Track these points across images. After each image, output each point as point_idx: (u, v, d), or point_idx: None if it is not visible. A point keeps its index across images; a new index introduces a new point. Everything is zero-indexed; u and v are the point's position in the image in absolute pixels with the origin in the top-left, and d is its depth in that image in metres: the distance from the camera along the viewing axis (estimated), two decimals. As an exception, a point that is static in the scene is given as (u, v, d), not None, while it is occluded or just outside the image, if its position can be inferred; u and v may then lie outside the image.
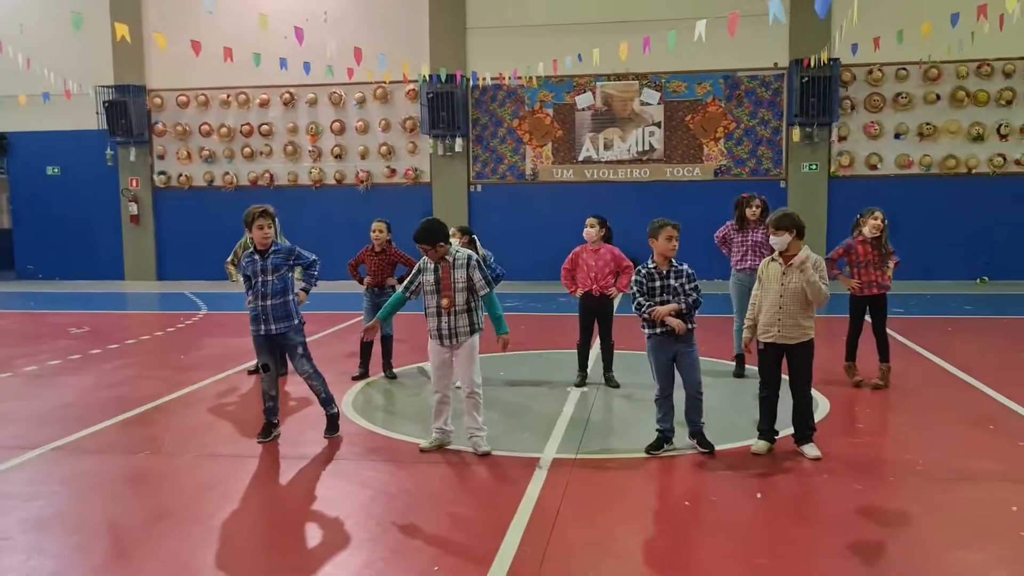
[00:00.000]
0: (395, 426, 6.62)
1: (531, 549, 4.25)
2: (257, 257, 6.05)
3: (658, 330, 5.69)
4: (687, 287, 5.69)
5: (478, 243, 7.93)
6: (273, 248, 6.08)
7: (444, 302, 5.67)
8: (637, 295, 5.73)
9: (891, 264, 7.65)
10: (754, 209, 8.05)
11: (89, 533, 4.64)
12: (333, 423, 6.33)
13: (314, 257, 6.36)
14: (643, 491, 5.28)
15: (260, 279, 6.01)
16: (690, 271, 5.76)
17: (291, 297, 6.11)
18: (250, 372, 8.47)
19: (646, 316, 5.68)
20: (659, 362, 5.77)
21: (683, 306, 5.62)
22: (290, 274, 6.17)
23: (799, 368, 5.68)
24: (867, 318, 7.69)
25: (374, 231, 8.18)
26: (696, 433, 5.78)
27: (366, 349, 8.34)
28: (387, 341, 8.35)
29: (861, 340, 7.73)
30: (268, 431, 6.22)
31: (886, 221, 7.56)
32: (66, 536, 4.57)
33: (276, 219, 6.23)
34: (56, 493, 5.25)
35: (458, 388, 6.00)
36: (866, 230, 7.53)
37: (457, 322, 5.72)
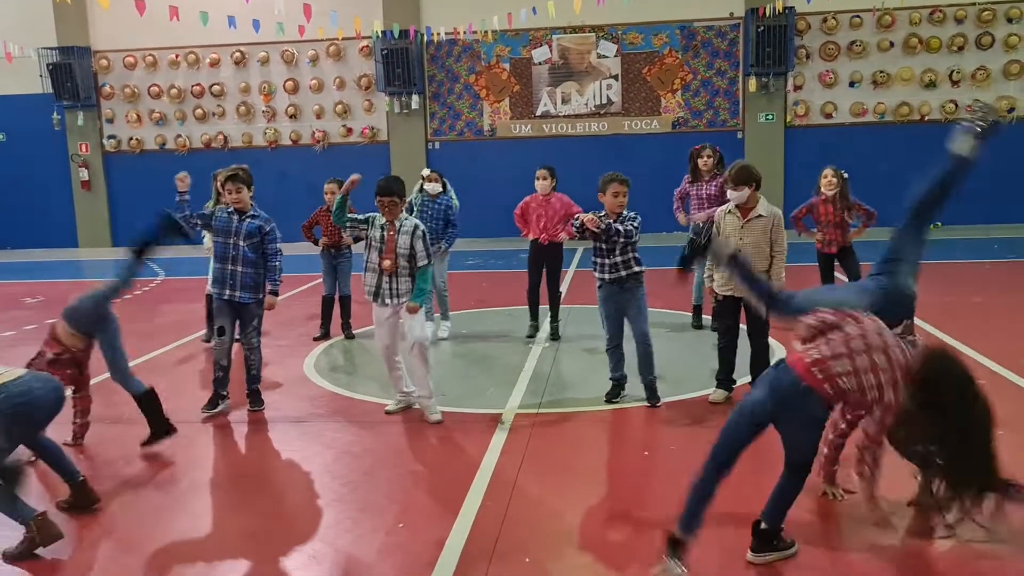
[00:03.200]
0: (357, 387, 6.64)
1: (494, 504, 4.33)
2: (234, 217, 5.85)
3: (606, 277, 5.75)
4: (627, 223, 5.70)
5: (449, 187, 8.06)
6: (251, 213, 5.91)
7: (386, 263, 5.62)
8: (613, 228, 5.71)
9: (861, 223, 7.72)
10: (705, 159, 8.04)
11: (54, 503, 4.62)
12: (257, 397, 6.12)
13: (279, 251, 5.99)
14: (603, 443, 5.38)
15: (232, 240, 5.81)
16: (634, 216, 5.76)
17: (262, 270, 5.88)
18: (205, 341, 8.34)
19: (575, 224, 5.76)
20: (607, 312, 5.86)
21: (603, 220, 5.64)
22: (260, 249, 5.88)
23: (756, 318, 5.77)
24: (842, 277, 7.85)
25: (327, 192, 8.11)
26: (648, 386, 5.87)
27: (326, 311, 8.34)
28: (346, 302, 8.33)
29: None
30: (215, 402, 6.04)
31: (845, 177, 7.63)
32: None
33: (249, 184, 5.97)
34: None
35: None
36: (823, 187, 7.64)
37: (400, 286, 5.66)
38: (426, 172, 8.12)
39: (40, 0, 16.24)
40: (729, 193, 5.74)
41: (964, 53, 15.68)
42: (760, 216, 5.66)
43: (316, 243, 8.27)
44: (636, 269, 5.73)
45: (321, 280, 8.54)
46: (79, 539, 4.18)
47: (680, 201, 8.31)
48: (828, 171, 7.69)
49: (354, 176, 5.64)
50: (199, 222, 5.92)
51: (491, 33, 14.99)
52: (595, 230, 5.57)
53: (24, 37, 15.90)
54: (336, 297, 8.36)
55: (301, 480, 4.82)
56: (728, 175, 5.78)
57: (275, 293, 5.98)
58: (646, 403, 5.85)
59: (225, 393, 6.09)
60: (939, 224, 15.61)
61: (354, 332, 8.33)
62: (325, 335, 8.28)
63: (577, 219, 5.76)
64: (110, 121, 17.76)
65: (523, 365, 7.03)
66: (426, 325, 5.86)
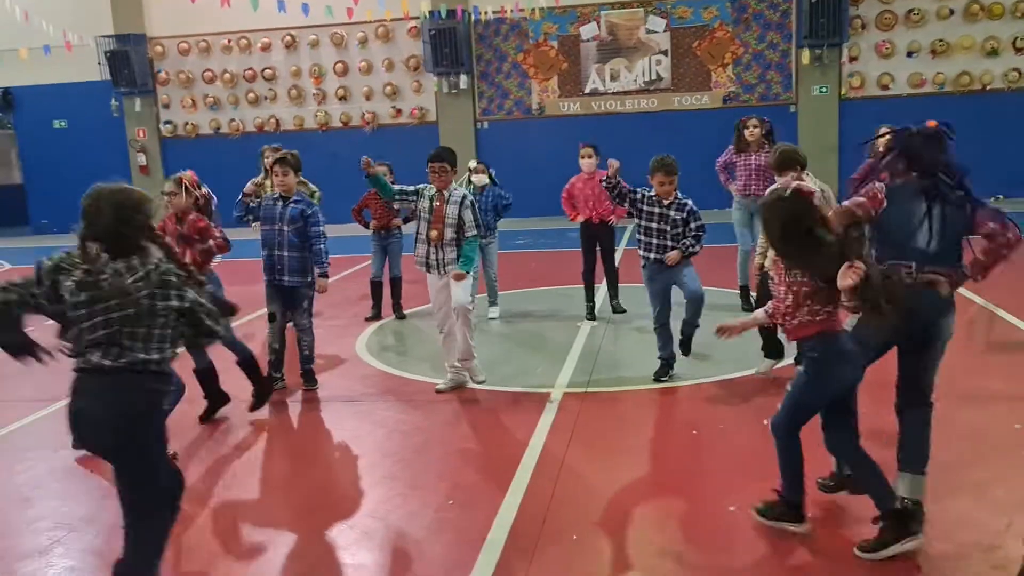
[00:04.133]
0: (409, 366, 6.74)
1: (542, 482, 4.38)
2: (279, 203, 5.93)
3: (651, 256, 5.76)
4: (692, 225, 5.70)
5: (496, 180, 8.15)
6: (295, 198, 5.98)
7: (434, 234, 5.74)
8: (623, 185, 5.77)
9: None
10: (752, 130, 7.83)
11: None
12: (311, 376, 6.21)
13: (322, 233, 5.97)
14: (651, 422, 5.39)
15: (277, 227, 5.88)
16: (694, 208, 5.74)
17: (308, 254, 5.92)
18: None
19: (612, 185, 5.78)
20: (654, 290, 5.87)
21: (683, 251, 5.70)
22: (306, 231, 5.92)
23: None
24: None
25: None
26: (685, 334, 5.86)
27: (377, 291, 8.44)
28: (397, 283, 8.43)
29: None
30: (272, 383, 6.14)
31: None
32: (95, 484, 4.73)
33: (298, 169, 6.04)
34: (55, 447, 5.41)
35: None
36: (882, 147, 7.40)
37: (446, 255, 5.79)
38: (473, 164, 8.14)
39: (97, -11, 16.60)
40: (776, 178, 5.64)
41: (1029, 19, 15.12)
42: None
43: (366, 226, 8.36)
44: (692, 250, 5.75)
45: (371, 261, 8.60)
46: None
47: (725, 172, 8.14)
48: (884, 128, 7.37)
49: (364, 158, 5.77)
50: (249, 216, 6.02)
51: (538, 11, 14.91)
52: (672, 261, 5.64)
53: (82, 26, 16.31)
54: (386, 279, 8.44)
55: (353, 458, 4.94)
56: (773, 161, 5.67)
57: (324, 276, 6.01)
58: (697, 381, 5.84)
59: (280, 375, 6.22)
60: (1001, 197, 15.18)
61: (405, 312, 8.43)
62: (377, 315, 8.39)
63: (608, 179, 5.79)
64: (166, 107, 18.14)
65: (572, 344, 7.06)
66: (468, 289, 5.90)
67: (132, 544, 3.11)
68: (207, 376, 5.60)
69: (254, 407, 5.66)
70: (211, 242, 5.51)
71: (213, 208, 5.69)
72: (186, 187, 5.51)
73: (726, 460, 4.64)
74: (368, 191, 8.30)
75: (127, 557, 3.11)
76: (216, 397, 5.67)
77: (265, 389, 5.71)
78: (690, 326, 5.84)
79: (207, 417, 5.63)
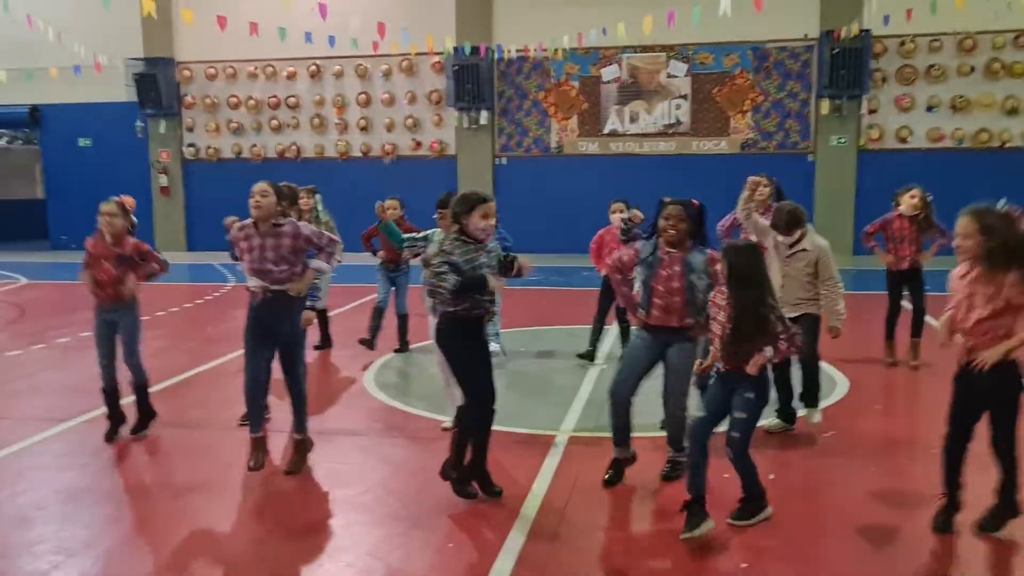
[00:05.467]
0: (415, 402, 6.73)
1: (543, 528, 4.35)
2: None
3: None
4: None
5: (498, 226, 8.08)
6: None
7: None
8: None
9: (936, 243, 7.50)
10: (761, 189, 7.81)
11: (120, 504, 4.81)
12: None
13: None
14: (655, 471, 5.35)
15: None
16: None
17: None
18: (316, 348, 8.46)
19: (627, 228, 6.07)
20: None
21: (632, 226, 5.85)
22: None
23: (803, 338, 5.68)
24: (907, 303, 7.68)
25: (389, 208, 8.14)
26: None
27: (377, 317, 8.33)
28: (403, 321, 8.38)
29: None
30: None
31: (929, 198, 7.43)
32: (97, 507, 4.74)
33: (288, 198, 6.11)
34: (88, 465, 5.43)
35: None
36: (903, 208, 7.45)
37: None
38: None
39: (130, 13, 16.87)
40: (781, 239, 5.73)
41: (1050, 79, 15.19)
42: (804, 250, 5.65)
43: (375, 253, 8.37)
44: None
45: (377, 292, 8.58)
46: (130, 539, 4.34)
47: (728, 233, 8.02)
48: (917, 190, 7.43)
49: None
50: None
51: (561, 51, 15.09)
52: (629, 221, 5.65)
53: (113, 48, 16.63)
54: (394, 312, 8.40)
55: (356, 494, 4.92)
56: (778, 220, 5.73)
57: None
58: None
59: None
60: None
61: (410, 348, 8.39)
62: (372, 345, 8.25)
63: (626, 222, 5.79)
64: (190, 130, 18.39)
65: (580, 386, 7.04)
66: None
67: None
68: (141, 393, 5.88)
69: (135, 430, 5.90)
70: (154, 264, 5.70)
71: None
72: (125, 209, 5.62)
73: (729, 512, 4.59)
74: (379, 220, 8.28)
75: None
76: (147, 414, 5.95)
77: (149, 418, 5.97)
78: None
79: (134, 432, 5.86)
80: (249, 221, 5.17)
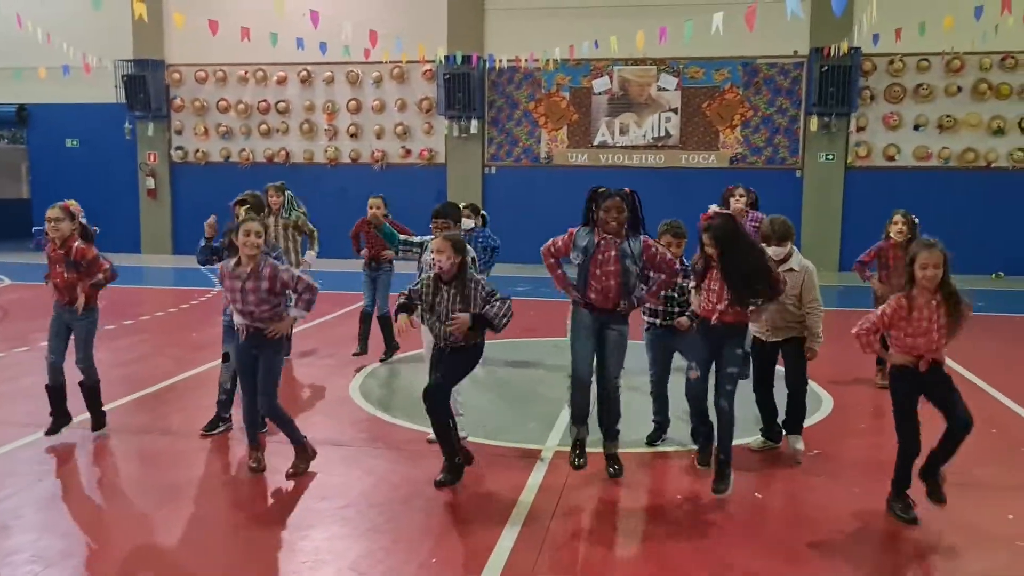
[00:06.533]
0: (401, 412, 6.70)
1: (527, 545, 4.33)
2: None
3: (657, 322, 5.76)
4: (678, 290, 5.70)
5: (487, 227, 8.15)
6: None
7: None
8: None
9: None
10: (738, 198, 7.85)
11: (99, 513, 4.76)
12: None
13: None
14: (641, 487, 5.34)
15: None
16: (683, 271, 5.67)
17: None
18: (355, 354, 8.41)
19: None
20: (655, 356, 5.92)
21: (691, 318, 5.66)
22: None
23: (791, 362, 5.70)
24: None
25: (372, 206, 8.04)
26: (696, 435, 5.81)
27: (365, 324, 8.35)
28: (385, 321, 8.32)
29: None
30: (215, 424, 6.08)
31: (916, 221, 7.27)
32: (75, 516, 4.69)
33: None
34: (67, 472, 5.37)
35: None
36: (892, 234, 7.36)
37: None
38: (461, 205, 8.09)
39: (121, 14, 16.78)
40: (772, 250, 5.63)
41: (1035, 101, 15.34)
42: (792, 270, 5.59)
43: (359, 251, 8.37)
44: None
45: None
46: (108, 549, 4.29)
47: None
48: (898, 216, 7.32)
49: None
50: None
51: (552, 62, 15.11)
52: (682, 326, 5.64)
53: (102, 48, 16.54)
54: (375, 315, 8.38)
55: (339, 506, 4.88)
56: (769, 231, 5.69)
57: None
58: (689, 446, 5.80)
59: (227, 415, 6.16)
60: (1002, 275, 15.23)
61: (393, 355, 8.38)
62: (363, 351, 8.32)
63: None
64: (179, 133, 18.31)
65: (565, 399, 7.01)
66: None
67: None
68: (92, 393, 5.89)
69: (95, 428, 5.95)
70: (99, 275, 5.64)
71: (93, 236, 5.85)
72: (71, 213, 5.59)
73: (719, 529, 4.59)
74: (363, 217, 8.25)
75: None
76: (99, 416, 5.98)
77: (101, 420, 5.99)
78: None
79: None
80: (236, 260, 5.16)
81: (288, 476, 5.25)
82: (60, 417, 5.88)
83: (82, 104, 18.14)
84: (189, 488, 5.12)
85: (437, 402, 5.05)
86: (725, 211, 5.32)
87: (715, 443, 5.09)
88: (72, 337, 5.80)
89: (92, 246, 5.74)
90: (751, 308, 4.99)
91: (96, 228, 5.94)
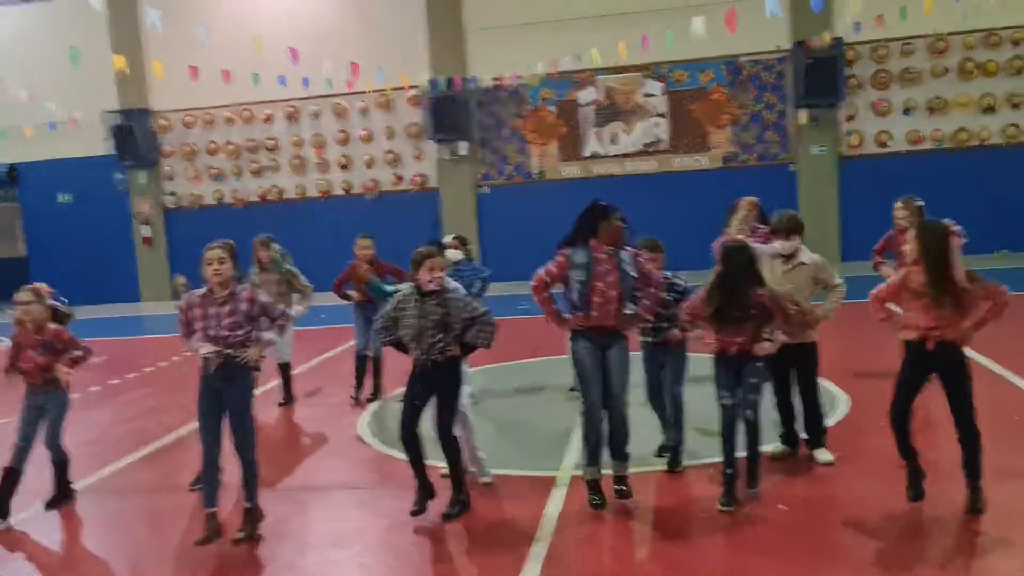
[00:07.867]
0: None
1: (550, 578, 4.23)
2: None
3: (649, 340, 5.70)
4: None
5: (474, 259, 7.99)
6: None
7: None
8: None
9: None
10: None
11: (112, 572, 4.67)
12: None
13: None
14: (662, 505, 5.24)
15: None
16: (687, 287, 5.68)
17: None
18: (280, 404, 8.27)
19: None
20: (650, 370, 5.82)
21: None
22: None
23: (802, 371, 5.67)
24: None
25: (360, 248, 7.96)
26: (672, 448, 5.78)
27: (361, 366, 8.13)
28: (378, 364, 8.13)
29: None
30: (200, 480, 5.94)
31: (919, 204, 7.09)
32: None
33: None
34: (81, 538, 5.29)
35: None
36: (899, 219, 7.26)
37: None
38: (447, 239, 7.87)
39: (103, 66, 16.73)
40: (780, 244, 5.59)
41: (1023, 76, 15.27)
42: (803, 264, 5.56)
43: (347, 299, 8.11)
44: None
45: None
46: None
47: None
48: (898, 204, 7.20)
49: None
50: None
51: (535, 77, 15.10)
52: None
53: (87, 102, 16.56)
54: (369, 356, 8.15)
55: (353, 552, 4.79)
56: (779, 225, 5.64)
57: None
58: (705, 461, 5.69)
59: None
60: (1005, 251, 15.12)
61: (383, 395, 8.15)
62: (358, 392, 8.12)
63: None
64: (170, 178, 18.31)
65: (576, 420, 6.91)
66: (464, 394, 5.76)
67: None
68: (62, 469, 5.72)
69: (50, 506, 5.67)
70: (77, 352, 5.52)
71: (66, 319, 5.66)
72: (41, 296, 5.48)
73: (748, 547, 4.48)
74: (350, 262, 8.10)
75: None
76: (66, 490, 5.78)
77: (66, 495, 5.78)
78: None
79: (50, 507, 5.66)
80: (203, 290, 4.98)
81: (234, 542, 4.92)
82: (4, 498, 5.53)
83: (71, 158, 18.16)
84: (206, 548, 5.01)
85: (447, 441, 5.06)
86: (740, 240, 5.37)
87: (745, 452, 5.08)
88: (43, 420, 5.58)
89: (66, 328, 5.59)
90: (766, 341, 5.08)
91: (72, 312, 5.76)
